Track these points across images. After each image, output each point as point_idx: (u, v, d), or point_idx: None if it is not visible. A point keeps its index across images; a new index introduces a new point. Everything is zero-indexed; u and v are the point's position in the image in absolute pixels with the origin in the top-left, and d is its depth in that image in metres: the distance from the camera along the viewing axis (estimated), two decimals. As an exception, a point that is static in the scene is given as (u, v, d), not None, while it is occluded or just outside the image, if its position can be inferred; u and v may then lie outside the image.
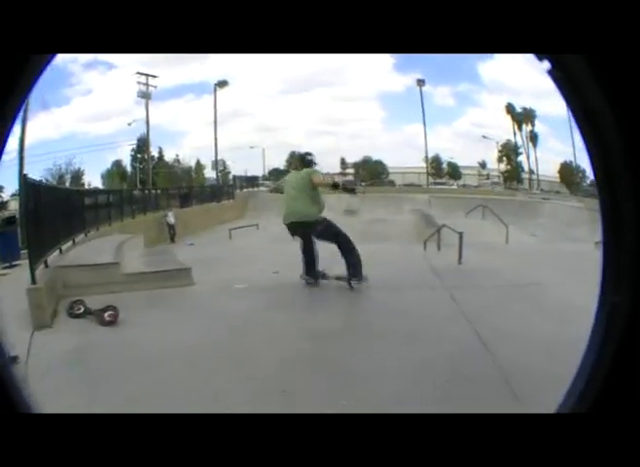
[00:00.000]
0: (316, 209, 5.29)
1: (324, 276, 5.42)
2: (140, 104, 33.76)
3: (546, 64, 0.78)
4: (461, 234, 6.84)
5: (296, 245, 5.72)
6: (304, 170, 5.38)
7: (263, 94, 60.38)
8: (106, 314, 4.23)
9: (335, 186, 5.56)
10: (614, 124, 0.72)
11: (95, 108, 44.77)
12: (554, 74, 0.78)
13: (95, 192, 17.89)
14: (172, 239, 17.08)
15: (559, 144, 55.66)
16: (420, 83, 40.37)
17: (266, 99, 59.52)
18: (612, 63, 0.70)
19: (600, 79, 0.72)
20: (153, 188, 28.15)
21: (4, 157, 0.78)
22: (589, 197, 30.12)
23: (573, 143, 39.36)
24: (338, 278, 5.29)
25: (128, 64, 35.03)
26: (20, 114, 0.80)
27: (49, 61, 0.75)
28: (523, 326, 4.03)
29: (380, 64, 56.35)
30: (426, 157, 40.59)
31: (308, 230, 5.26)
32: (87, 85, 48.90)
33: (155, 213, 19.01)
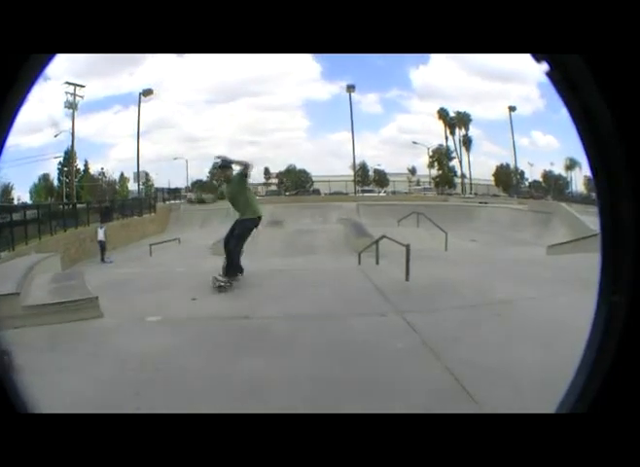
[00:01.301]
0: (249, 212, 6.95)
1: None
2: (70, 116, 36.18)
3: (544, 65, 0.85)
4: (408, 248, 6.78)
5: (211, 264, 6.40)
6: (233, 181, 6.96)
7: (188, 104, 67.47)
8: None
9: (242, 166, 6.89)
10: (612, 124, 0.79)
11: (27, 120, 44.50)
12: (552, 75, 0.86)
13: (5, 208, 18.46)
14: (102, 258, 17.92)
15: (494, 147, 61.07)
16: (350, 88, 43.81)
17: (191, 109, 66.43)
18: (610, 64, 0.77)
19: (598, 79, 0.79)
20: (72, 202, 29.74)
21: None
22: (531, 199, 32.74)
23: (513, 144, 43.99)
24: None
25: (61, 75, 36.77)
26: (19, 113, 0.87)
27: (48, 61, 0.83)
28: (503, 356, 3.75)
29: (307, 72, 64.23)
30: (354, 164, 43.92)
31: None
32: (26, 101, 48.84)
33: (75, 229, 20.03)
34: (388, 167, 49.53)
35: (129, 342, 4.58)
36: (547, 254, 11.86)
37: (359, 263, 10.07)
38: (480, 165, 53.51)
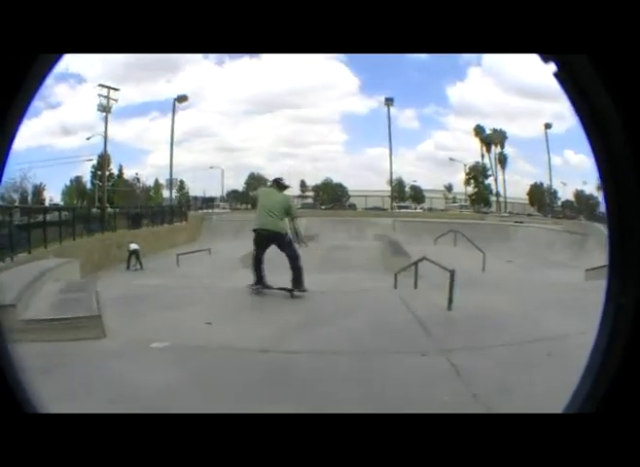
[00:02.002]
0: (285, 225, 7.32)
1: (268, 286, 7.22)
2: (109, 120, 37.15)
3: (552, 66, 0.88)
4: (452, 274, 6.37)
5: (239, 277, 6.43)
6: (284, 195, 7.54)
7: (226, 114, 67.41)
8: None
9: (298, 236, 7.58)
10: (620, 125, 0.81)
11: (63, 122, 48.93)
12: (560, 76, 0.88)
13: (24, 209, 18.67)
14: (128, 266, 18.24)
15: (528, 166, 61.10)
16: (388, 101, 43.86)
17: (229, 119, 67.99)
18: (618, 64, 0.79)
19: (606, 80, 0.81)
20: (100, 206, 30.08)
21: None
22: (565, 219, 31.66)
23: (550, 163, 43.59)
24: (282, 289, 7.15)
25: (97, 78, 37.47)
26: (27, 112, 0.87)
27: (56, 61, 0.87)
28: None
29: (345, 86, 63.71)
30: (390, 179, 44.32)
31: (276, 239, 7.18)
32: (56, 97, 52.04)
33: (101, 234, 20.11)
34: (424, 184, 49.58)
35: (125, 374, 4.11)
36: (585, 278, 11.32)
37: (395, 285, 9.50)
38: (514, 184, 52.60)
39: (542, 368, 4.07)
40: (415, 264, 9.44)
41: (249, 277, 6.96)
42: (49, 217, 17.28)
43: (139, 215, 26.02)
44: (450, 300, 6.05)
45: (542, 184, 46.41)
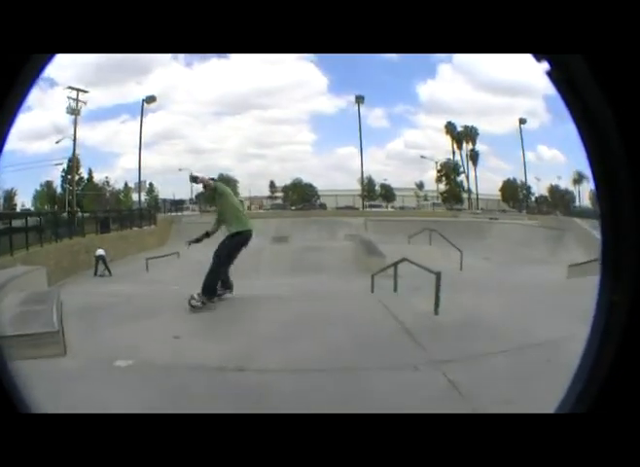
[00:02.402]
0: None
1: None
2: (79, 124, 37.73)
3: (545, 65, 0.88)
4: (439, 276, 6.06)
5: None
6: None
7: (195, 116, 68.00)
8: None
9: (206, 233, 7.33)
10: (613, 124, 0.82)
11: (34, 126, 46.75)
12: (553, 75, 0.89)
13: None
14: (95, 271, 18.32)
15: (501, 162, 62.50)
16: (359, 99, 44.27)
17: (198, 121, 68.90)
18: (611, 64, 0.80)
19: (599, 79, 0.82)
20: (68, 211, 30.23)
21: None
22: (539, 214, 32.08)
23: (524, 158, 44.66)
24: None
25: (68, 82, 37.74)
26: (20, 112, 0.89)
27: (48, 61, 0.88)
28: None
29: (314, 85, 64.01)
30: (362, 178, 45.03)
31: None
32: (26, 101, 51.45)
33: (69, 240, 20.00)
34: (394, 182, 50.20)
35: (84, 397, 3.65)
36: (568, 275, 11.38)
37: (372, 288, 9.22)
38: (486, 181, 54.28)
39: (540, 377, 3.69)
40: (395, 265, 9.19)
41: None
42: (18, 223, 17.38)
43: (108, 219, 25.94)
44: (437, 304, 5.77)
45: (515, 180, 47.35)
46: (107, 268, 18.54)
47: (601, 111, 0.82)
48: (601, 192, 0.89)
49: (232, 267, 6.87)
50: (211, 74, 62.94)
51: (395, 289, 8.48)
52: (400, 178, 61.42)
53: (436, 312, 5.68)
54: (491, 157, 63.76)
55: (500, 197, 47.22)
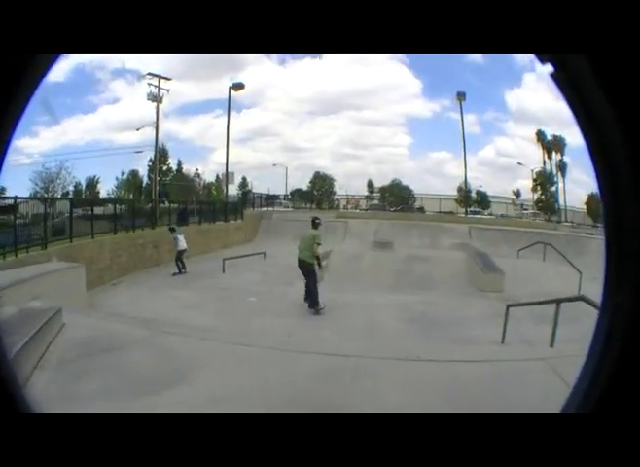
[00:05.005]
0: (312, 257, 10.33)
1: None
2: (167, 116, 39.75)
3: (547, 66, 0.89)
4: None
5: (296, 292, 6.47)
6: (312, 232, 10.47)
7: (291, 114, 70.12)
8: None
9: (317, 260, 10.35)
10: (616, 125, 0.82)
11: (122, 117, 53.87)
12: (556, 75, 0.89)
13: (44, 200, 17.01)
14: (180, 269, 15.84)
15: (582, 175, 58.31)
16: (460, 97, 42.73)
17: (293, 119, 71.68)
18: (614, 64, 0.80)
19: (603, 80, 0.82)
20: (128, 200, 29.41)
21: (9, 157, 0.90)
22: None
23: None
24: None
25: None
26: (25, 113, 0.86)
27: (54, 61, 0.88)
28: None
29: (409, 88, 66.32)
30: (465, 182, 44.42)
31: (306, 268, 10.40)
32: (113, 93, 60.88)
33: (132, 232, 17.54)
34: (486, 189, 49.37)
35: None
36: None
37: (504, 331, 7.16)
38: (569, 193, 51.80)
39: None
40: (557, 304, 6.21)
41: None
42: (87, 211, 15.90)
43: (185, 211, 23.40)
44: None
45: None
46: (183, 264, 16.06)
47: (604, 111, 0.82)
48: (604, 192, 0.89)
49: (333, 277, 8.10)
50: (304, 73, 63.93)
51: (552, 343, 5.78)
52: (490, 186, 61.97)
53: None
54: (574, 169, 59.88)
55: (585, 211, 44.72)
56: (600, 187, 0.90)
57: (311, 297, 10.09)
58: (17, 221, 11.74)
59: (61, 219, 15.23)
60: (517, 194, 48.55)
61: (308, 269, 10.21)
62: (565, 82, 0.88)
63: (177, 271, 15.69)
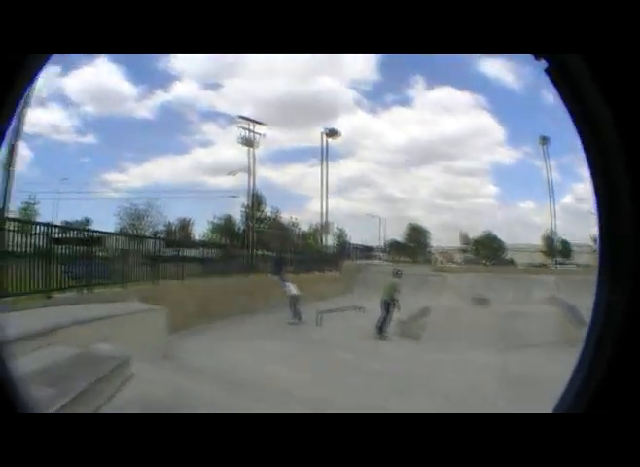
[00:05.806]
0: (393, 297, 13.93)
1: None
2: (261, 164, 38.70)
3: (543, 65, 0.90)
4: None
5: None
6: (393, 281, 14.26)
7: (385, 164, 66.59)
8: None
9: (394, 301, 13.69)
10: (612, 124, 0.83)
11: (215, 160, 52.44)
12: (552, 75, 0.90)
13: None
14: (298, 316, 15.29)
15: None
16: (544, 141, 38.48)
17: (387, 169, 67.17)
18: (609, 63, 0.81)
19: (598, 78, 0.83)
20: (223, 245, 27.34)
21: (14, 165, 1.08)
22: None
23: None
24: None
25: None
26: (17, 112, 0.91)
27: (46, 61, 0.89)
28: None
29: (493, 135, 62.52)
30: (554, 232, 42.35)
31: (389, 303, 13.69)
32: (204, 135, 61.90)
33: (226, 278, 16.84)
34: (567, 237, 46.62)
35: None
36: None
37: None
38: None
39: None
40: None
41: (411, 357, 6.21)
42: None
43: (282, 260, 22.36)
44: None
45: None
46: (297, 312, 15.22)
47: (599, 110, 0.83)
48: (599, 191, 0.89)
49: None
50: (395, 121, 61.13)
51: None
52: (571, 234, 56.78)
53: None
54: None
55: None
56: (595, 186, 0.90)
57: (383, 324, 13.16)
58: (101, 254, 11.38)
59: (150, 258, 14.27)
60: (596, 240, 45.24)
61: (388, 306, 13.50)
62: (561, 81, 0.89)
63: (294, 320, 14.99)
